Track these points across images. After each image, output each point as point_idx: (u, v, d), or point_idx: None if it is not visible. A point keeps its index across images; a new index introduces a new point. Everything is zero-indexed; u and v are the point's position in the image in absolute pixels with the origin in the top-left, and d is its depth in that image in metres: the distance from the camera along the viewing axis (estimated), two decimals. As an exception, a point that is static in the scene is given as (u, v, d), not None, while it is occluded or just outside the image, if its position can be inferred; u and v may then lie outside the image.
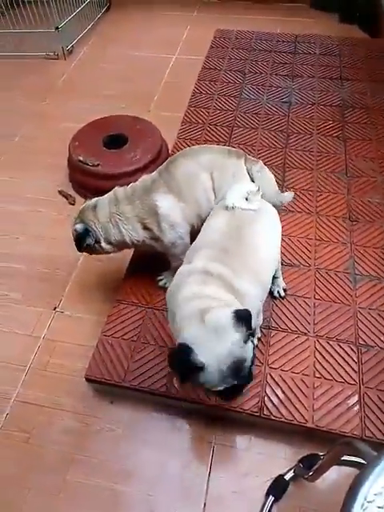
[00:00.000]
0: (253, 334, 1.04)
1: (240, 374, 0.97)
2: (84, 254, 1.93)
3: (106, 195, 1.52)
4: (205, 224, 1.34)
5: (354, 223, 1.88)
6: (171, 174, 1.49)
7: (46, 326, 1.69)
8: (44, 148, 2.48)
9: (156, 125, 2.32)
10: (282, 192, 1.80)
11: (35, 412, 1.46)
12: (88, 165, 2.10)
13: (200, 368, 0.94)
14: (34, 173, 2.34)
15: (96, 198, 1.52)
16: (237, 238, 1.21)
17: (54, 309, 1.75)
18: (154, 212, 1.44)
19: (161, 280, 1.67)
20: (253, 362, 1.02)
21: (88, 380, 1.44)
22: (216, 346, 0.95)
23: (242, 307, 1.02)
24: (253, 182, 1.50)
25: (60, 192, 2.24)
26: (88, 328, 1.66)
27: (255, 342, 1.43)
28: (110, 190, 1.53)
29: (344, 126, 2.37)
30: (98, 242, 1.47)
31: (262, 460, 1.33)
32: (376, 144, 2.25)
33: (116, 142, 2.21)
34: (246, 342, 0.98)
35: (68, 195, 2.22)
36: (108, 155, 2.15)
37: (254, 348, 1.04)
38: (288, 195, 1.70)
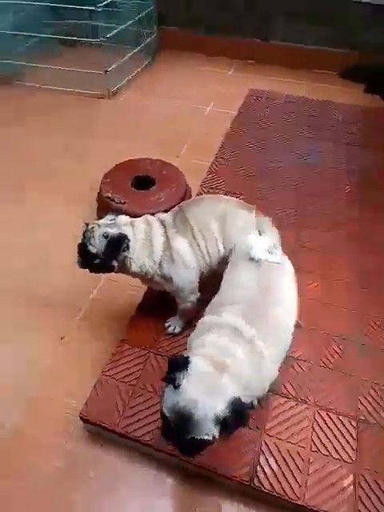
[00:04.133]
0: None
1: None
2: (98, 287, 1.97)
3: (138, 219, 1.53)
4: (227, 277, 1.35)
5: (365, 290, 1.88)
6: (185, 219, 1.52)
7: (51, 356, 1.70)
8: (78, 180, 2.59)
9: (183, 171, 2.41)
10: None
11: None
12: (115, 202, 2.18)
13: None
14: (65, 203, 2.45)
15: (126, 218, 1.51)
16: (265, 292, 1.23)
17: (62, 338, 1.77)
18: (169, 248, 1.48)
19: (169, 326, 1.68)
20: None
21: (83, 420, 1.43)
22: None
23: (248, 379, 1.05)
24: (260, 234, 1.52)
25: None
26: (90, 364, 1.66)
27: (255, 403, 1.41)
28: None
29: (362, 191, 2.42)
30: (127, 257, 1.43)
31: (247, 532, 1.27)
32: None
33: (144, 183, 2.31)
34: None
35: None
36: (135, 195, 2.23)
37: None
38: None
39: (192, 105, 3.29)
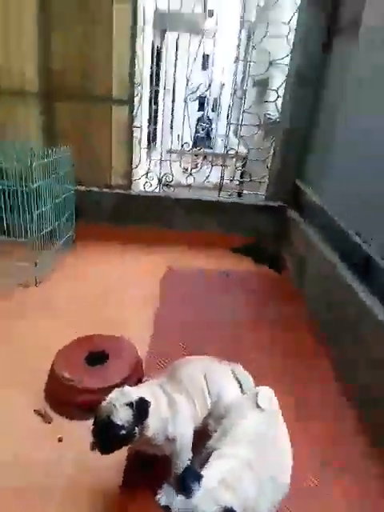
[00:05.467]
0: None
1: None
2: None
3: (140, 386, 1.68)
4: (237, 423, 1.53)
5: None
6: (177, 378, 1.76)
7: None
8: (17, 367, 2.56)
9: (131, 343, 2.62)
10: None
11: None
12: (72, 382, 2.22)
13: None
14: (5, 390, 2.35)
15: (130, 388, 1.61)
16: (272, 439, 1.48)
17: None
18: (172, 404, 1.63)
19: (160, 497, 1.66)
20: None
21: None
22: None
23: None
24: (238, 381, 1.83)
25: (35, 411, 2.24)
26: None
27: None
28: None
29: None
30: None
31: None
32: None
33: (96, 358, 2.44)
34: None
35: (44, 414, 2.23)
36: (90, 371, 2.33)
37: None
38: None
39: (116, 283, 3.75)
